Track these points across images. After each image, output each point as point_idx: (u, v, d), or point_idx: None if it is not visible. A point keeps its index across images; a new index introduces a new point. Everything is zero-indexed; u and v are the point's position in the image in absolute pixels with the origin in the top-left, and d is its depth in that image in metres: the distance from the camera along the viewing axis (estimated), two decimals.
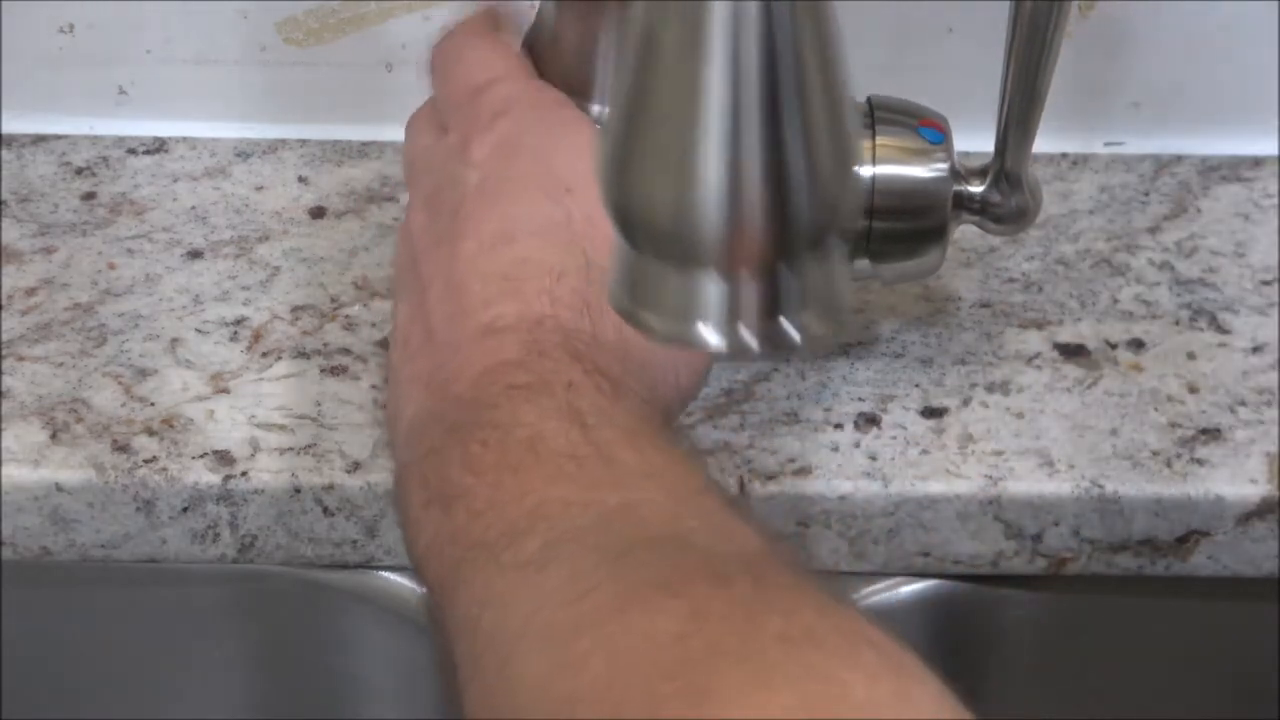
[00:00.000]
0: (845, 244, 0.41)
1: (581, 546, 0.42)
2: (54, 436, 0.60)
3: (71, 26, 0.72)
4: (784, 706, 0.36)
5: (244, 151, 0.73)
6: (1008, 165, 0.57)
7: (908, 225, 0.58)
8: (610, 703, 0.38)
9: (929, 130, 0.57)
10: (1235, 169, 0.72)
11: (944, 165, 0.57)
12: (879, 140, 0.57)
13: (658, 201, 0.39)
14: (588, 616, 0.40)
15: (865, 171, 0.56)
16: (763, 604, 0.39)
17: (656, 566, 0.41)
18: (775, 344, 0.41)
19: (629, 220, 0.40)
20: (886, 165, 0.57)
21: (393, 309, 0.53)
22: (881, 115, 0.57)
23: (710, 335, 0.40)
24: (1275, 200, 0.71)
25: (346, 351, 0.63)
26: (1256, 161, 0.73)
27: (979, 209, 0.58)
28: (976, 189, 0.58)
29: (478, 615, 0.43)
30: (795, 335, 0.41)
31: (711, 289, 0.40)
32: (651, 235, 0.40)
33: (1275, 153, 0.73)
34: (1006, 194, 0.58)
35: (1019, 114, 0.56)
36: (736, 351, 0.41)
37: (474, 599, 0.43)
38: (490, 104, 0.53)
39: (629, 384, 0.48)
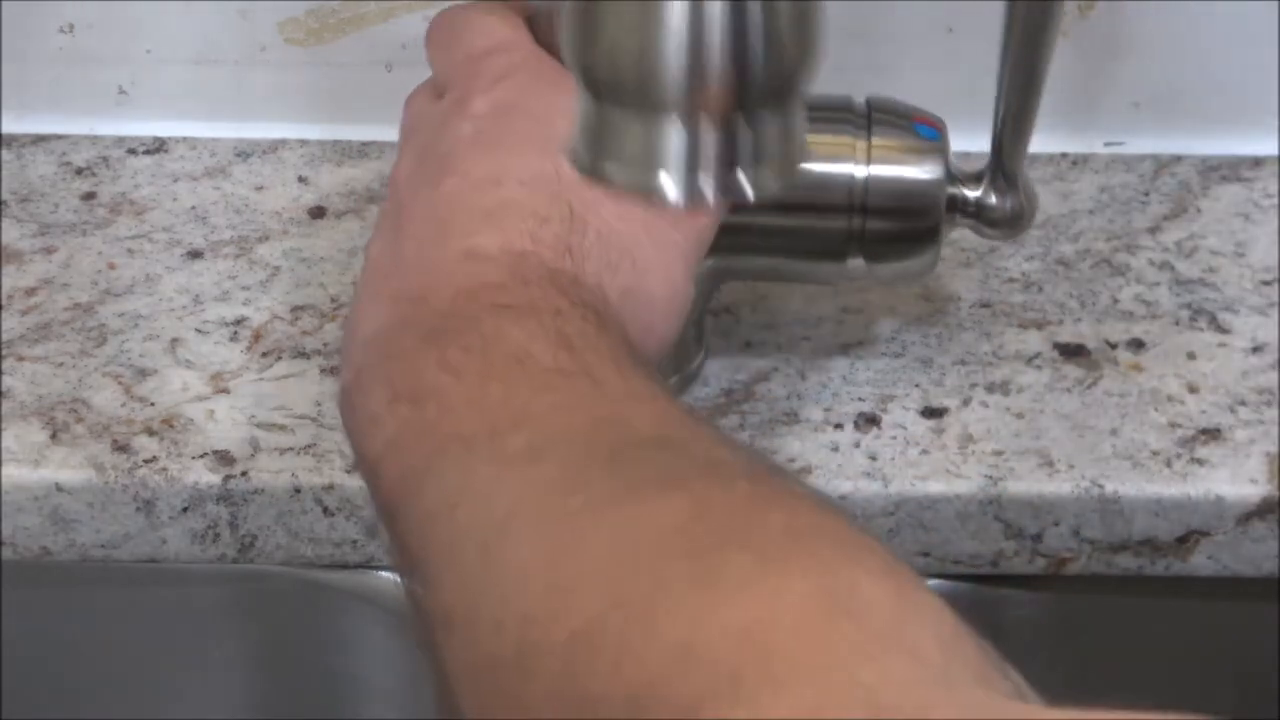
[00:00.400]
0: (803, 104, 0.42)
1: (571, 446, 0.42)
2: (54, 436, 0.60)
3: (71, 26, 0.72)
4: (798, 593, 0.36)
5: (244, 151, 0.73)
6: (1003, 166, 0.57)
7: (902, 226, 0.58)
8: (612, 583, 0.37)
9: (924, 128, 0.57)
10: (1235, 169, 0.72)
11: (939, 167, 0.57)
12: (875, 140, 0.57)
13: (621, 48, 0.40)
14: (584, 507, 0.39)
15: (860, 172, 0.56)
16: (764, 500, 0.39)
17: (653, 465, 0.40)
18: (730, 194, 0.41)
19: (592, 68, 0.41)
20: (881, 166, 0.57)
21: (367, 246, 0.52)
22: (878, 116, 0.57)
23: (668, 185, 0.41)
24: (1275, 200, 0.71)
25: None
26: (1256, 161, 0.73)
27: (974, 212, 0.58)
28: (972, 192, 0.58)
29: (453, 506, 0.42)
30: (749, 188, 0.41)
31: (672, 137, 0.40)
32: (613, 83, 0.40)
33: (1275, 153, 0.73)
34: (1002, 196, 0.58)
35: (1015, 115, 0.56)
36: (693, 201, 0.41)
37: (447, 490, 0.42)
38: (491, 69, 0.53)
39: (609, 323, 0.47)
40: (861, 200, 0.57)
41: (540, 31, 0.56)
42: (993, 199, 0.58)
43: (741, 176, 0.41)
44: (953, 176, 0.58)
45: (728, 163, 0.41)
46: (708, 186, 0.41)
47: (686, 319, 0.52)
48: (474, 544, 0.40)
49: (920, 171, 0.57)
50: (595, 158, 0.42)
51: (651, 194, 0.41)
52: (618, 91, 0.41)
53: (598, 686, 0.36)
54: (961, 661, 0.36)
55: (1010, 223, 0.58)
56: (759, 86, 0.40)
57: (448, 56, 0.55)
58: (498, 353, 0.45)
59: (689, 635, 0.35)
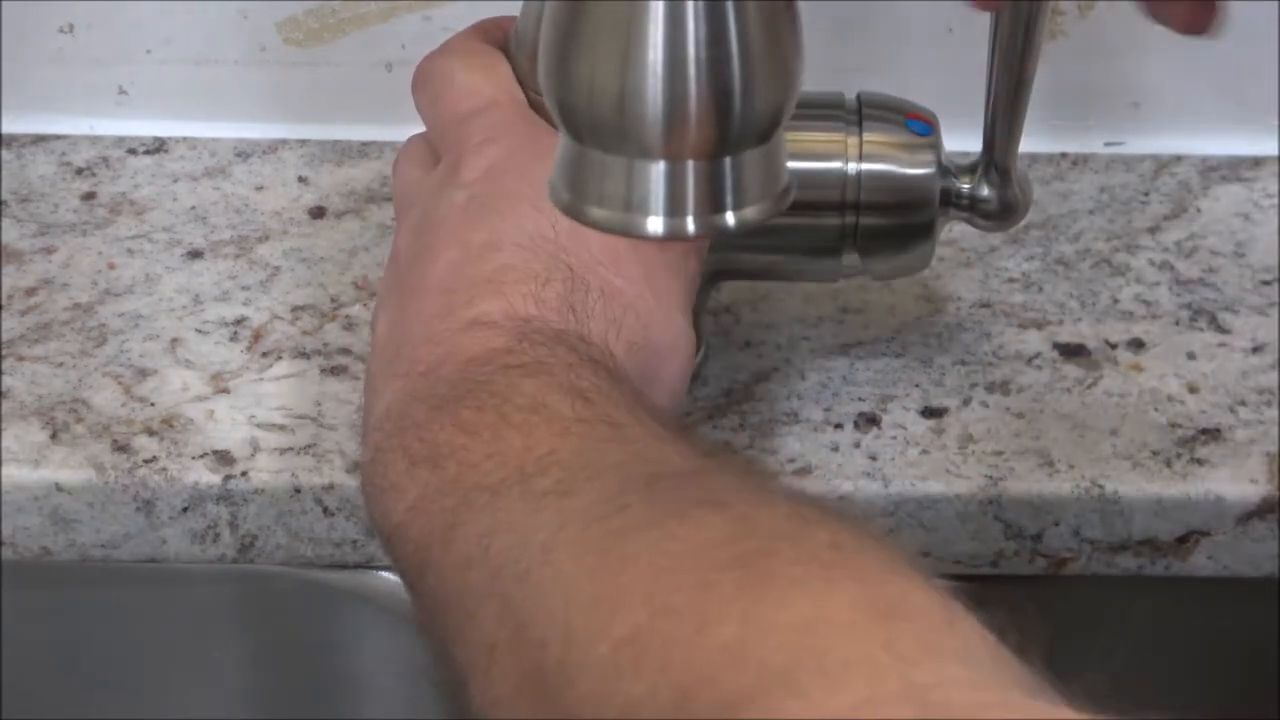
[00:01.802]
0: (784, 135, 0.42)
1: (604, 479, 0.41)
2: (54, 436, 0.60)
3: (71, 26, 0.72)
4: (850, 596, 0.36)
5: (244, 151, 0.73)
6: (995, 160, 0.57)
7: (896, 221, 0.58)
8: (658, 593, 0.37)
9: (917, 123, 0.57)
10: (1235, 169, 0.72)
11: (931, 162, 0.57)
12: (866, 136, 0.57)
13: (599, 91, 0.40)
14: (625, 527, 0.39)
15: (852, 168, 0.57)
16: (807, 518, 0.39)
17: (692, 488, 0.40)
18: (714, 232, 0.41)
19: (570, 110, 0.41)
20: (874, 162, 0.57)
21: (372, 322, 0.53)
22: (869, 112, 0.57)
23: (652, 223, 0.41)
24: (1275, 200, 0.71)
25: (346, 351, 0.63)
26: (1256, 161, 0.73)
27: (968, 205, 0.58)
28: (965, 185, 0.58)
29: (486, 547, 0.41)
30: (733, 223, 0.41)
31: (653, 178, 0.41)
32: (593, 125, 0.40)
33: (1275, 153, 0.73)
34: (995, 190, 0.58)
35: (1005, 109, 0.56)
36: (676, 236, 0.41)
37: (479, 533, 0.42)
38: (480, 130, 0.53)
39: (623, 374, 0.48)
40: (854, 196, 0.57)
41: (520, 68, 0.56)
42: (985, 191, 0.58)
43: (726, 214, 0.41)
44: (945, 170, 0.58)
45: (711, 202, 0.41)
46: (691, 225, 0.41)
47: (694, 365, 0.53)
48: (512, 574, 0.40)
49: (912, 166, 0.57)
50: (576, 197, 0.42)
51: (633, 233, 0.41)
52: (598, 134, 0.41)
53: (643, 686, 0.36)
54: (1009, 668, 0.37)
55: (1004, 215, 0.58)
56: (740, 128, 0.40)
57: (436, 116, 0.55)
58: (512, 406, 0.45)
59: (739, 634, 0.35)
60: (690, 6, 0.39)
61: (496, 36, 0.57)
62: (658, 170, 0.40)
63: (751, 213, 0.42)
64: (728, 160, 0.41)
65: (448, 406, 0.46)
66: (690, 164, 0.40)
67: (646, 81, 0.39)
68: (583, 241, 0.50)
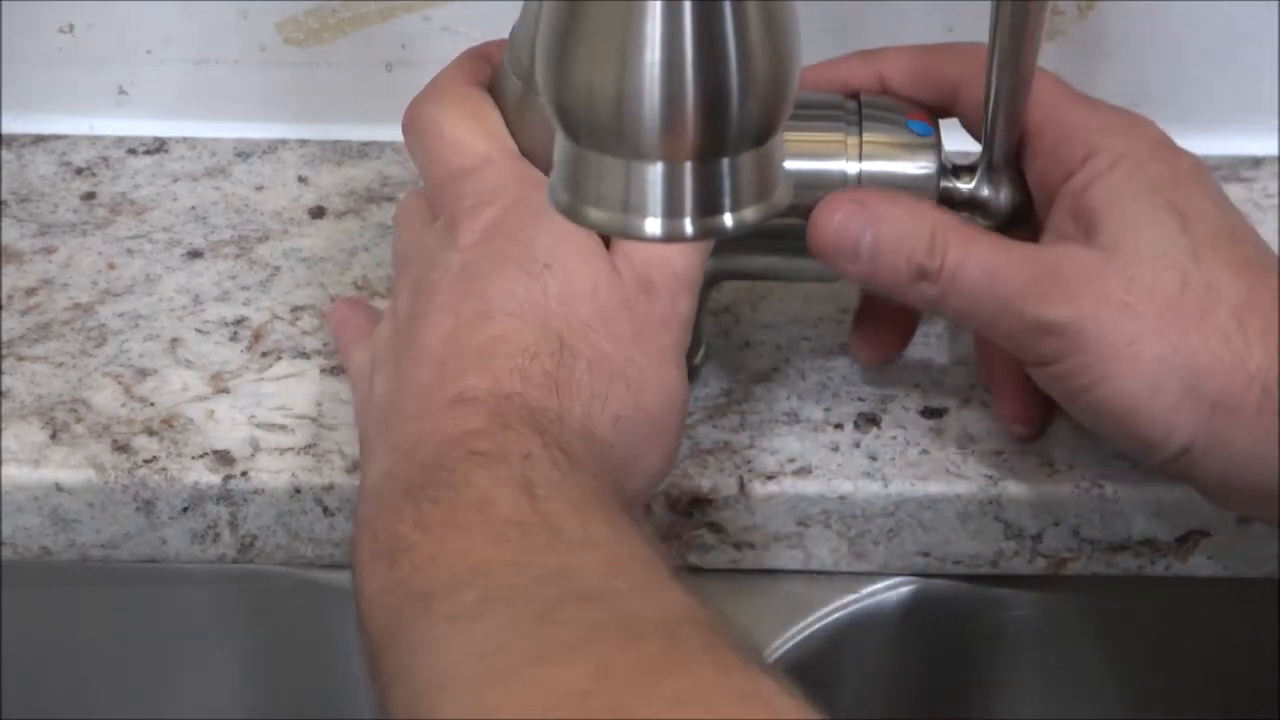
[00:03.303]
0: (782, 138, 0.42)
1: (510, 604, 0.43)
2: (54, 436, 0.60)
3: (71, 26, 0.72)
4: None
5: (244, 151, 0.73)
6: (996, 160, 0.57)
7: None
8: None
9: (917, 123, 0.57)
10: (1235, 169, 0.72)
11: (931, 162, 0.57)
12: (866, 136, 0.57)
13: (597, 92, 0.40)
14: (500, 669, 0.41)
15: (852, 168, 0.57)
16: (668, 664, 0.40)
17: (574, 625, 0.42)
18: (711, 234, 0.42)
19: (568, 112, 0.41)
20: (873, 162, 0.57)
21: (368, 373, 0.54)
22: (869, 112, 0.57)
23: (649, 225, 0.41)
24: (1275, 200, 0.71)
25: None
26: (1256, 161, 0.73)
27: (968, 206, 0.58)
28: (965, 185, 0.58)
29: (413, 665, 0.43)
30: (731, 225, 0.41)
31: (651, 180, 0.41)
32: (591, 126, 0.40)
33: (1275, 153, 0.73)
34: (995, 190, 0.57)
35: (1005, 109, 0.55)
36: (673, 237, 0.41)
37: (410, 647, 0.44)
38: (472, 191, 0.54)
39: (586, 463, 0.49)
40: None
41: (510, 113, 0.56)
42: (985, 192, 0.58)
43: (725, 216, 0.41)
44: (946, 171, 0.58)
45: (708, 204, 0.41)
46: (688, 227, 0.41)
47: (678, 452, 0.54)
48: (425, 705, 0.42)
49: (912, 167, 0.57)
50: (574, 198, 0.42)
51: (631, 234, 0.41)
52: (595, 135, 0.41)
53: None
54: None
55: (1005, 215, 0.58)
56: (738, 130, 0.40)
57: (428, 171, 0.56)
58: (463, 502, 0.46)
59: None
60: (688, 7, 0.39)
61: (483, 70, 0.58)
62: (655, 172, 0.41)
63: (749, 214, 0.42)
64: (725, 161, 0.41)
65: (414, 495, 0.47)
66: (688, 165, 0.40)
67: (644, 83, 0.39)
68: (572, 305, 0.51)
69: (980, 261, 0.53)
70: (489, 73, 0.58)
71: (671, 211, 0.41)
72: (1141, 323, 0.51)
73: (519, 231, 0.52)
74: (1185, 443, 0.52)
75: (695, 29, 0.39)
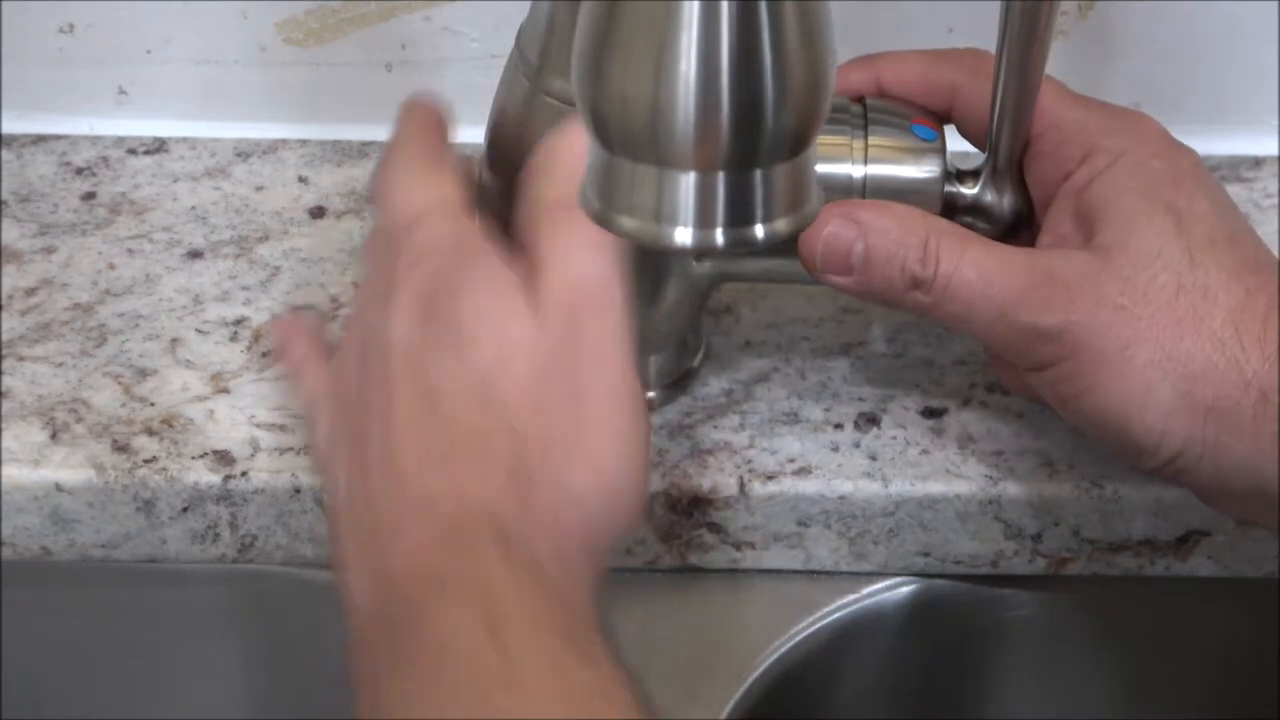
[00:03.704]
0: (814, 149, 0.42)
1: None
2: (54, 436, 0.60)
3: (71, 26, 0.72)
4: None
5: (244, 151, 0.73)
6: (999, 165, 0.57)
7: None
8: None
9: (922, 128, 0.57)
10: (1235, 169, 0.72)
11: (936, 166, 0.57)
12: (871, 140, 0.57)
13: (632, 100, 0.39)
14: None
15: (857, 171, 0.56)
16: None
17: None
18: (743, 245, 0.41)
19: (602, 120, 0.40)
20: (878, 165, 0.57)
21: (326, 457, 0.53)
22: (875, 116, 0.57)
23: (680, 234, 0.41)
24: (1275, 200, 0.71)
25: None
26: (1256, 161, 0.73)
27: (972, 210, 0.58)
28: (970, 190, 0.58)
29: None
30: (762, 236, 0.41)
31: (684, 190, 0.40)
32: (625, 135, 0.40)
33: (1275, 153, 0.73)
34: (1000, 195, 0.57)
35: (1011, 113, 0.55)
36: (705, 246, 0.41)
37: None
38: (410, 247, 0.53)
39: (553, 568, 0.48)
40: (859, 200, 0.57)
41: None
42: (989, 197, 0.58)
43: (756, 227, 0.41)
44: (950, 176, 0.57)
45: (740, 214, 0.41)
46: (720, 237, 0.41)
47: (645, 506, 0.53)
48: None
49: (917, 171, 0.57)
50: (606, 206, 0.42)
51: (663, 244, 0.41)
52: (630, 144, 0.41)
53: None
54: None
55: (1009, 220, 0.58)
56: (772, 141, 0.40)
57: (380, 214, 0.55)
58: (426, 641, 0.46)
59: None
60: (724, 17, 0.39)
61: (434, 120, 0.57)
62: (688, 181, 0.40)
63: (781, 225, 0.42)
64: (759, 172, 0.41)
65: (385, 631, 0.47)
66: (721, 175, 0.40)
67: (679, 92, 0.39)
68: (510, 380, 0.50)
69: (974, 269, 0.53)
70: (439, 119, 0.57)
71: (703, 222, 0.41)
72: (1136, 326, 0.51)
73: (445, 300, 0.51)
74: (1177, 449, 0.52)
75: (731, 39, 0.39)
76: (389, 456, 0.50)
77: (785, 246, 0.58)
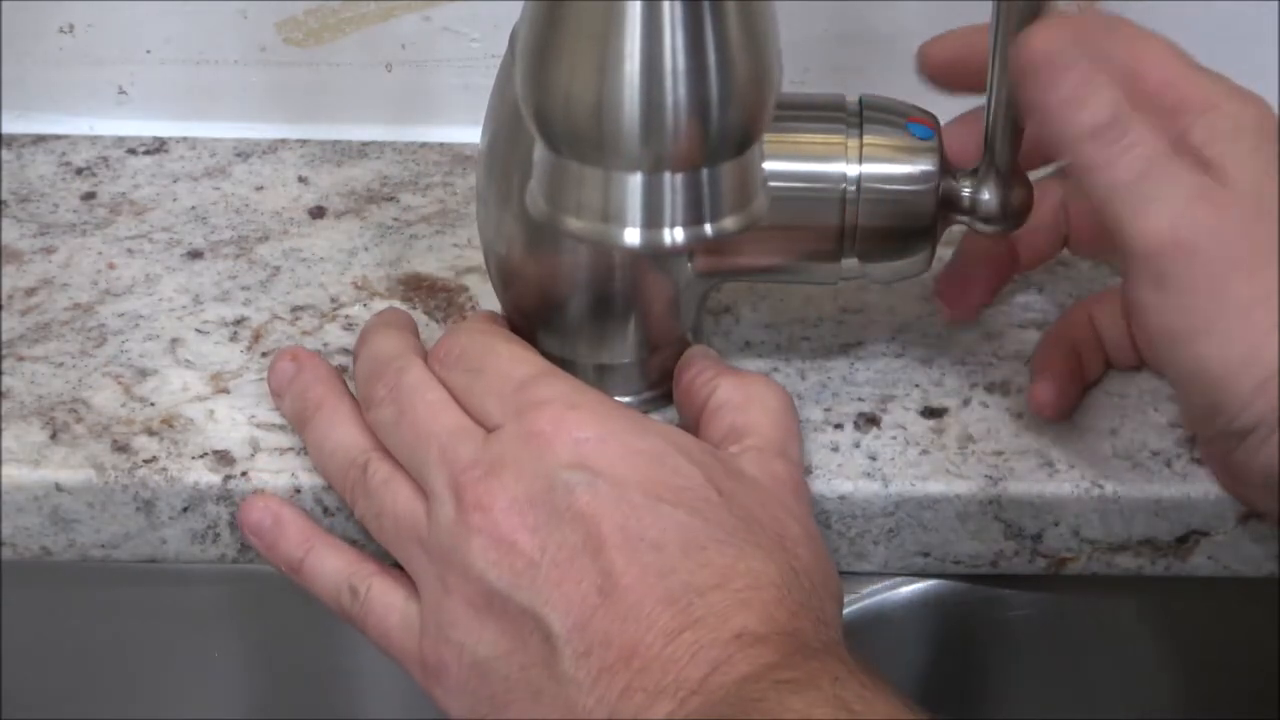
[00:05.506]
0: (761, 146, 0.42)
1: None
2: (54, 436, 0.60)
3: (71, 26, 0.72)
4: None
5: (244, 151, 0.73)
6: (996, 162, 0.57)
7: (895, 224, 0.57)
8: None
9: (918, 126, 0.57)
10: None
11: (932, 164, 0.57)
12: (866, 139, 0.57)
13: (577, 102, 0.39)
14: None
15: (852, 170, 0.56)
16: None
17: None
18: (692, 242, 0.41)
19: (547, 122, 0.40)
20: (873, 164, 0.57)
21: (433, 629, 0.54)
22: (870, 114, 0.57)
23: (629, 234, 0.41)
24: None
25: (346, 351, 0.63)
26: None
27: (969, 208, 0.58)
28: (966, 188, 0.58)
29: None
30: (710, 234, 0.41)
31: (631, 190, 0.40)
32: (571, 137, 0.40)
33: None
34: (995, 192, 0.57)
35: (1006, 111, 0.55)
36: (653, 247, 0.41)
37: None
38: (373, 397, 0.56)
39: (881, 677, 0.48)
40: (854, 199, 0.57)
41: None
42: (986, 195, 0.57)
43: (704, 225, 0.41)
44: (946, 174, 0.57)
45: (688, 213, 0.41)
46: (668, 237, 0.41)
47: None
48: None
49: (912, 169, 0.57)
50: (554, 208, 0.42)
51: (610, 243, 0.41)
52: (575, 144, 0.40)
53: None
54: None
55: (1005, 218, 0.58)
56: (719, 140, 0.40)
57: (356, 363, 0.58)
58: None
59: None
60: (668, 18, 0.39)
61: (404, 318, 0.60)
62: (635, 181, 0.40)
63: (729, 223, 0.42)
64: (705, 171, 0.41)
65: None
66: (668, 175, 0.40)
67: (623, 93, 0.39)
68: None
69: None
70: (408, 320, 0.60)
71: (651, 221, 0.41)
72: (1264, 288, 0.49)
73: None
74: (1252, 422, 0.50)
75: (675, 40, 0.39)
76: (625, 603, 0.50)
77: (784, 245, 0.59)
